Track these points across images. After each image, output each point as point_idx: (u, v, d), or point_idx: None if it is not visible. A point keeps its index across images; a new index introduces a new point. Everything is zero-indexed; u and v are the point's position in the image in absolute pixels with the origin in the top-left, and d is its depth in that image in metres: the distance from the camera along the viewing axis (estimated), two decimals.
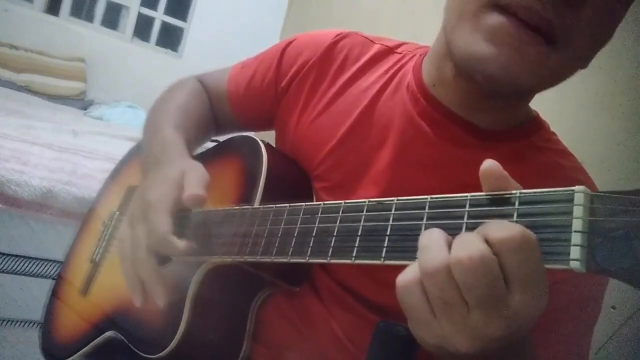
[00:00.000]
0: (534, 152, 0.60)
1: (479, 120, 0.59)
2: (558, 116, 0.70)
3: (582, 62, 0.54)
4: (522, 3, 0.47)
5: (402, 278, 0.36)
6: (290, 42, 0.74)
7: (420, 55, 0.65)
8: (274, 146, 0.73)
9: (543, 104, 0.63)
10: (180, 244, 0.54)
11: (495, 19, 0.48)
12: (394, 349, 0.47)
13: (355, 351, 0.61)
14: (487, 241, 0.33)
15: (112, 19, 3.77)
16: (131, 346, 0.63)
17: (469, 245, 0.33)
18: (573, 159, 0.62)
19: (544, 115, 0.64)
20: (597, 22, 0.48)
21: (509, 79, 0.49)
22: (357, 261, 0.42)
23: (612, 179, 1.08)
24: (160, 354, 0.58)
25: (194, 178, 0.57)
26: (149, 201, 0.57)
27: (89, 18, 3.67)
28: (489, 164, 0.36)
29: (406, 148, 0.60)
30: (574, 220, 0.32)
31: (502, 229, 0.33)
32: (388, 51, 0.69)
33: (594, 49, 0.53)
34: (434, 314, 0.35)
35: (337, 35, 0.71)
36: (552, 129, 0.64)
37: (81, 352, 0.72)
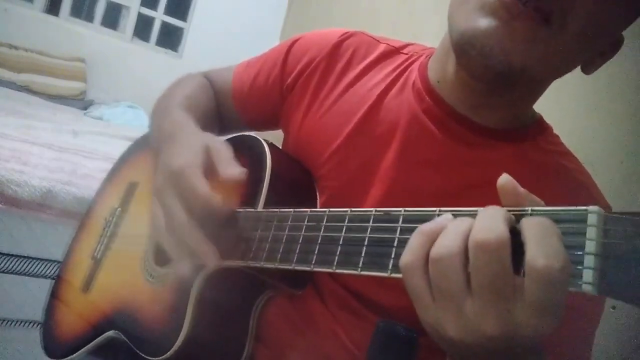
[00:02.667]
0: (539, 153, 0.60)
1: (482, 119, 0.59)
2: (558, 116, 0.70)
3: (578, 51, 0.54)
4: None
5: (406, 259, 0.37)
6: (296, 41, 0.74)
7: (427, 56, 0.66)
8: (280, 146, 0.73)
9: (543, 104, 0.63)
10: (221, 200, 0.51)
11: None
12: (394, 349, 0.47)
13: (358, 353, 0.60)
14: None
15: (112, 19, 3.77)
16: (133, 347, 0.63)
17: (495, 226, 0.33)
18: (577, 162, 0.62)
19: (544, 116, 0.64)
20: (594, 10, 0.49)
21: (501, 53, 0.50)
22: (364, 272, 0.41)
23: (612, 179, 1.08)
24: (163, 356, 0.57)
25: (223, 152, 0.54)
26: (178, 168, 0.54)
27: (89, 18, 3.67)
28: (503, 180, 0.36)
29: (411, 146, 0.61)
30: (587, 242, 0.31)
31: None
32: (394, 51, 0.69)
33: (589, 37, 0.53)
34: (433, 298, 0.36)
35: (343, 34, 0.71)
36: (553, 128, 0.64)
37: (82, 350, 0.72)
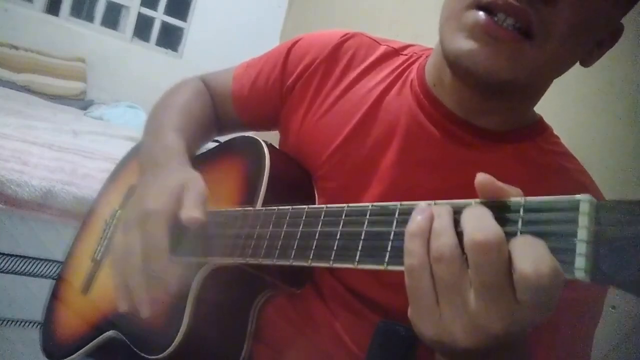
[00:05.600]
0: (539, 154, 0.60)
1: (480, 122, 0.59)
2: (558, 116, 0.70)
3: (568, 56, 0.54)
4: (500, 2, 0.49)
5: (411, 261, 0.36)
6: (296, 42, 0.74)
7: (426, 57, 0.66)
8: (277, 146, 0.73)
9: (544, 104, 0.63)
10: (174, 266, 0.54)
11: (473, 16, 0.51)
12: (394, 348, 0.47)
13: (358, 352, 0.61)
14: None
15: (112, 19, 3.77)
16: (132, 346, 0.63)
17: (489, 225, 0.34)
18: (577, 162, 0.62)
19: (545, 116, 0.64)
20: (576, 16, 0.49)
21: (487, 73, 0.51)
22: (360, 266, 0.41)
23: (612, 179, 1.08)
24: (162, 354, 0.57)
25: (193, 195, 0.56)
26: (147, 212, 0.56)
27: (89, 18, 3.67)
28: (480, 178, 0.36)
29: (411, 147, 0.61)
30: (579, 230, 0.31)
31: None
32: (394, 52, 0.69)
33: (577, 43, 0.53)
34: (437, 300, 0.36)
35: (344, 35, 0.71)
36: (553, 128, 0.64)
37: (82, 351, 0.72)
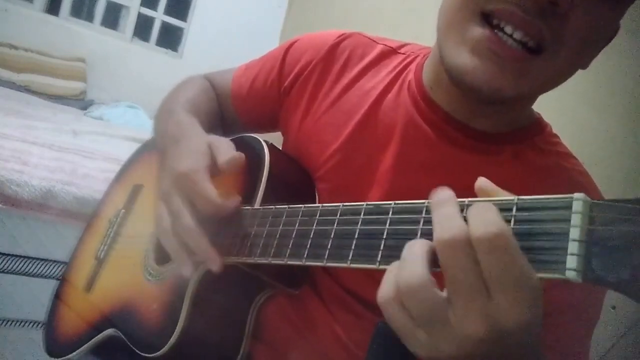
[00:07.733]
0: (537, 154, 0.59)
1: (478, 124, 0.59)
2: (558, 116, 0.70)
3: (574, 66, 0.54)
4: (507, 10, 0.47)
5: (381, 294, 0.36)
6: (293, 43, 0.74)
7: (424, 57, 0.66)
8: (280, 147, 0.73)
9: (543, 104, 0.63)
10: (227, 202, 0.53)
11: (478, 32, 0.50)
12: (394, 348, 0.47)
13: (357, 352, 0.61)
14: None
15: (112, 19, 3.77)
16: (130, 344, 0.63)
17: (453, 226, 0.34)
18: (576, 162, 0.61)
19: (544, 115, 0.64)
20: (586, 27, 0.49)
21: (491, 90, 0.50)
22: (353, 265, 0.41)
23: (612, 179, 1.08)
24: (157, 353, 0.58)
25: (223, 145, 0.56)
26: (184, 172, 0.55)
27: (89, 18, 3.67)
28: (480, 183, 0.36)
29: (409, 149, 0.60)
30: (571, 229, 0.31)
31: (482, 226, 0.33)
32: (391, 52, 0.69)
33: (584, 53, 0.53)
34: (417, 324, 0.35)
35: (340, 35, 0.71)
36: (553, 128, 0.64)
37: (82, 349, 0.72)
